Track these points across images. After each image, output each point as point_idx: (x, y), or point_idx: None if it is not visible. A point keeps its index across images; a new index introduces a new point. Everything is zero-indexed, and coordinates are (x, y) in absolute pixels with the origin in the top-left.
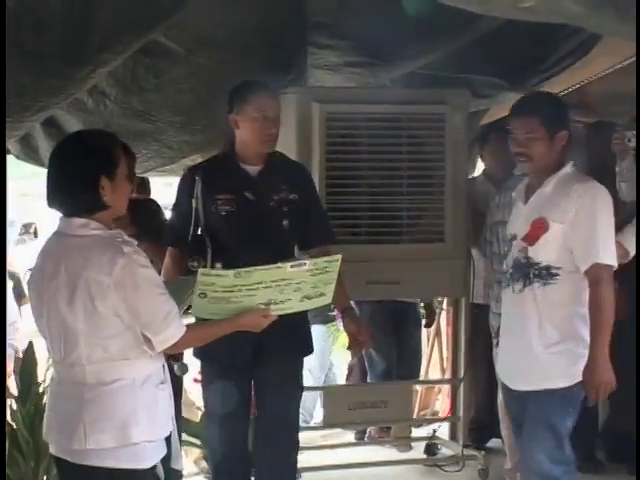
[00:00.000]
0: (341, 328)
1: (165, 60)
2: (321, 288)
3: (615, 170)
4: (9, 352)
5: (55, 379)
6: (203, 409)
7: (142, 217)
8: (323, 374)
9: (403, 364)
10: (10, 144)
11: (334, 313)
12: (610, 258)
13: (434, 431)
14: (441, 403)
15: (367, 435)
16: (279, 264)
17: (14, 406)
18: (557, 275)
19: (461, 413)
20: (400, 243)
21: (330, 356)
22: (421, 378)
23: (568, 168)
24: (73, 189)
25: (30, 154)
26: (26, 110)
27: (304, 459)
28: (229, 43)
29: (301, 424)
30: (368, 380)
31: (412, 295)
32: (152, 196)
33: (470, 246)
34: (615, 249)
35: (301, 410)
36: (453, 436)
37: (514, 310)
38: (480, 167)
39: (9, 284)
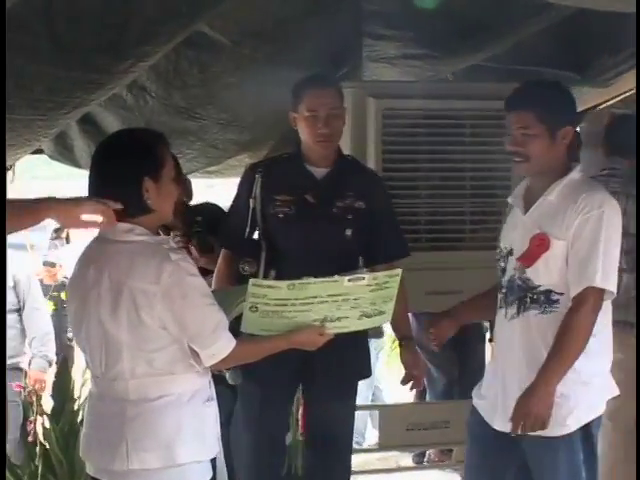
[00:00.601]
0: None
1: (210, 53)
2: (379, 305)
3: None
4: (43, 365)
5: (94, 395)
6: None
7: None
8: (370, 392)
9: (465, 381)
10: (43, 143)
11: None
12: (607, 282)
13: None
14: None
15: (426, 458)
16: (336, 277)
17: (47, 424)
18: (558, 302)
19: None
20: (462, 250)
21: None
22: None
23: (575, 173)
24: (115, 191)
25: (65, 154)
26: (61, 107)
27: None
28: (278, 34)
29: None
30: (427, 399)
31: None
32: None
33: None
34: (616, 275)
35: None
36: None
37: (504, 338)
38: None
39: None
